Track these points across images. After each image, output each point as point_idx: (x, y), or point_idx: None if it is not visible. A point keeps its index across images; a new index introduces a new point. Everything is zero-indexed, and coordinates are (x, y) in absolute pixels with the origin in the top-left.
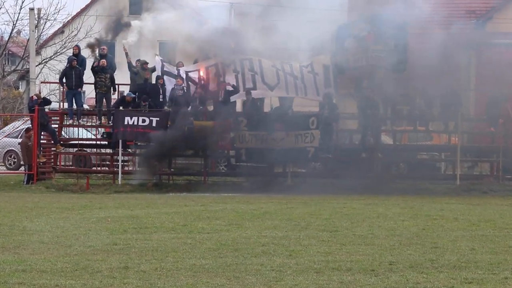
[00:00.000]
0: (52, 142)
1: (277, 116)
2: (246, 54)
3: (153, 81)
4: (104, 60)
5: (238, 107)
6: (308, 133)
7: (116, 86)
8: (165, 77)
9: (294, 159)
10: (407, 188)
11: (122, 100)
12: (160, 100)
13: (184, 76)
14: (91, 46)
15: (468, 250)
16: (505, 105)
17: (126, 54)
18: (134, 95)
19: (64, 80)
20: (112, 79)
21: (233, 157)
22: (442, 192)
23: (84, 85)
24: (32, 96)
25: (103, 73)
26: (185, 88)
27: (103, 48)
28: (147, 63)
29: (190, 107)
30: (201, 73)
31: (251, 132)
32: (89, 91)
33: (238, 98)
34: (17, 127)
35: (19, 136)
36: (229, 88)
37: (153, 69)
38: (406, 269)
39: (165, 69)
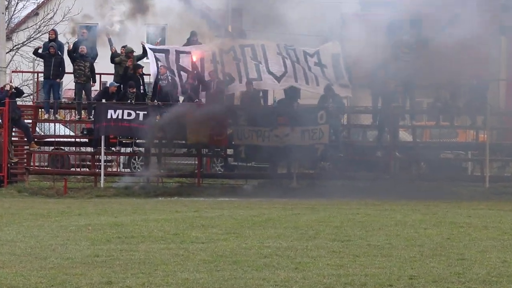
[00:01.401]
0: (25, 139)
1: (281, 109)
2: (246, 38)
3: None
4: (83, 47)
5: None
6: (317, 129)
7: (97, 76)
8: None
9: (300, 158)
10: (429, 192)
11: (105, 91)
12: (141, 91)
13: (174, 58)
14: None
15: (499, 262)
16: None
17: (110, 41)
18: (119, 84)
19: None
20: (92, 68)
21: (231, 156)
22: (469, 196)
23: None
24: (3, 87)
25: (82, 60)
26: (169, 77)
27: (83, 32)
28: (133, 52)
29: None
30: (194, 58)
31: (251, 127)
32: (66, 82)
33: (238, 89)
34: None
35: None
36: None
37: (139, 57)
38: (429, 284)
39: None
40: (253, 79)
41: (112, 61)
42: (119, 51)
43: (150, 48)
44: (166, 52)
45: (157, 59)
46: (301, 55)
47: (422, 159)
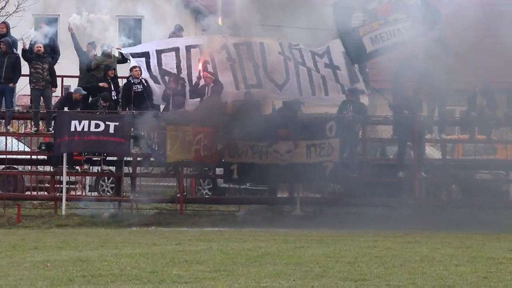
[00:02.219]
0: None
1: (282, 120)
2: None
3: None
4: (40, 45)
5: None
6: (325, 144)
7: (59, 79)
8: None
9: (305, 179)
10: (461, 220)
11: (67, 98)
12: (113, 98)
13: (155, 62)
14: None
15: None
16: None
17: (73, 37)
18: (85, 92)
19: None
20: (51, 71)
21: (220, 177)
22: (510, 225)
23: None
24: None
25: (40, 62)
26: (144, 81)
27: (42, 25)
28: (110, 54)
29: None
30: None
31: (245, 142)
32: (21, 87)
33: (233, 96)
34: None
35: None
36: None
37: (119, 61)
38: None
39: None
40: (252, 85)
41: (89, 69)
42: (86, 49)
43: (130, 53)
44: (146, 55)
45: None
46: (309, 56)
47: (453, 180)
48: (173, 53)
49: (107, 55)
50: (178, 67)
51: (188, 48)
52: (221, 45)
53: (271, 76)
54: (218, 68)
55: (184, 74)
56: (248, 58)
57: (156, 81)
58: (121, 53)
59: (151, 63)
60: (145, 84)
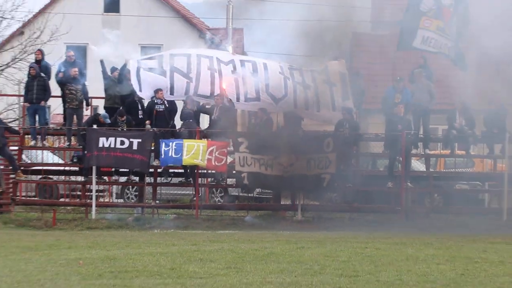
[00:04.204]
0: (11, 168)
1: (285, 137)
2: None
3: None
4: (76, 69)
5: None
6: (323, 157)
7: (90, 99)
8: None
9: (305, 189)
10: (442, 225)
11: (94, 119)
12: (140, 116)
13: (167, 57)
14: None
15: None
16: None
17: (102, 64)
18: (109, 120)
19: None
20: (85, 91)
21: (231, 186)
22: (485, 229)
23: (50, 98)
24: None
25: (74, 84)
26: (166, 102)
27: (71, 54)
28: (117, 69)
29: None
30: (224, 86)
31: (254, 155)
32: (55, 106)
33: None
34: None
35: None
36: (225, 102)
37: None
38: None
39: (141, 76)
40: (250, 99)
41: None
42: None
43: (137, 61)
44: (159, 57)
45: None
46: (308, 74)
47: (436, 190)
48: (185, 57)
49: (113, 70)
50: (188, 68)
51: (199, 57)
52: (228, 59)
53: (270, 91)
54: (223, 78)
55: (193, 74)
56: (251, 73)
57: (163, 74)
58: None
59: (163, 62)
60: (167, 105)
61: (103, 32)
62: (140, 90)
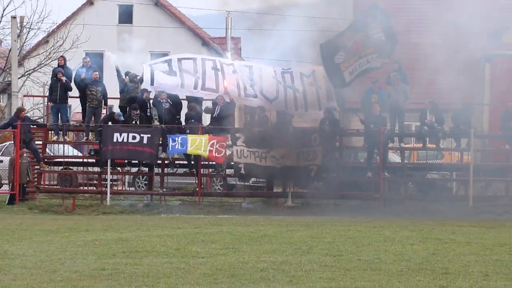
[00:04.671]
0: (35, 160)
1: (277, 132)
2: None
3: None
4: (96, 72)
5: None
6: (311, 151)
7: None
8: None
9: (295, 178)
10: (416, 210)
11: (110, 116)
12: (148, 114)
13: (175, 60)
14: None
15: (482, 276)
16: None
17: (118, 70)
18: (122, 117)
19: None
20: (104, 92)
21: (230, 176)
22: (453, 214)
23: (70, 98)
24: (16, 112)
25: (94, 86)
26: (170, 102)
27: (87, 60)
28: (136, 76)
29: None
30: (225, 84)
31: (250, 148)
32: (75, 105)
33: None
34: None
35: (0, 154)
36: (227, 99)
37: (141, 80)
38: None
39: (155, 77)
40: (249, 95)
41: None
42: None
43: (150, 65)
44: (168, 61)
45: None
46: (298, 76)
47: (409, 179)
48: (191, 60)
49: (132, 80)
50: (195, 68)
51: (203, 60)
52: (229, 62)
53: (264, 93)
54: (225, 77)
55: (199, 73)
56: (248, 77)
57: (174, 74)
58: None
59: (172, 65)
60: (171, 103)
61: (123, 38)
62: (152, 84)
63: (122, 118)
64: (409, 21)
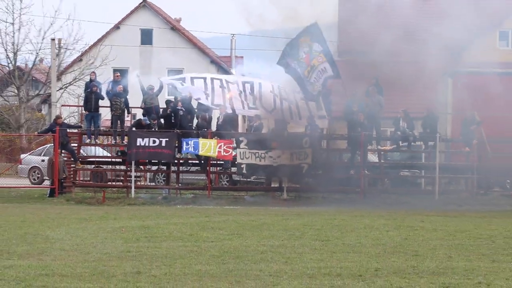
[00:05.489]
0: (72, 159)
1: (275, 136)
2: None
3: (160, 104)
4: (121, 86)
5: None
6: (302, 151)
7: (130, 108)
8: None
9: (289, 175)
10: (391, 202)
11: (138, 123)
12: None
13: (188, 79)
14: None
15: (446, 258)
16: (478, 128)
17: (139, 81)
18: (148, 121)
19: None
20: (126, 103)
21: (234, 173)
22: (422, 205)
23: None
24: (55, 118)
25: (119, 97)
26: (183, 109)
27: (117, 75)
28: (153, 88)
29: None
30: (228, 96)
31: (251, 150)
32: (104, 113)
33: (247, 113)
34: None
35: (42, 154)
36: (229, 111)
37: (157, 93)
38: (390, 275)
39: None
40: (251, 108)
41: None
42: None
43: (166, 79)
44: (182, 79)
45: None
46: (291, 92)
47: (385, 176)
48: (202, 79)
49: (150, 88)
50: (205, 87)
51: (212, 79)
52: (233, 80)
53: (263, 105)
54: (232, 94)
55: (209, 91)
56: (250, 93)
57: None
58: (161, 83)
59: (186, 82)
60: (184, 110)
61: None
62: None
63: (147, 121)
64: (388, 41)
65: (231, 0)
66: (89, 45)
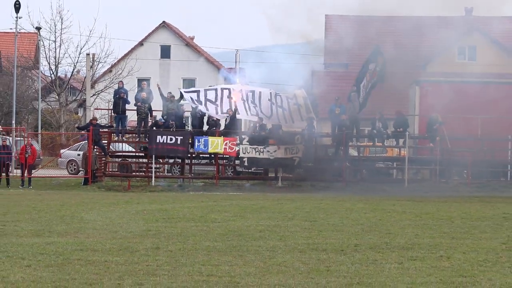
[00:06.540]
0: (103, 154)
1: (272, 134)
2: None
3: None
4: (144, 93)
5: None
6: (295, 147)
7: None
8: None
9: (284, 166)
10: (368, 189)
11: (156, 123)
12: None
13: (203, 94)
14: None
15: (413, 235)
16: (440, 127)
17: (159, 88)
18: (164, 121)
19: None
20: (149, 107)
21: (237, 165)
22: (393, 192)
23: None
24: (90, 120)
25: (143, 102)
26: (199, 112)
27: (144, 84)
28: (174, 96)
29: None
30: (234, 98)
31: (251, 145)
32: (130, 116)
33: (250, 118)
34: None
35: (78, 149)
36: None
37: (179, 100)
38: (367, 250)
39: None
40: (253, 114)
41: (162, 97)
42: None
43: (185, 91)
44: (197, 92)
45: (191, 99)
46: (285, 99)
47: (363, 167)
48: (214, 91)
49: (171, 97)
50: (216, 98)
51: (222, 90)
52: (238, 89)
53: (263, 111)
54: (237, 102)
55: (218, 102)
56: (251, 101)
57: (200, 103)
58: (181, 93)
59: (200, 95)
60: (200, 114)
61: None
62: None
63: (163, 120)
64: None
65: (236, 20)
66: (118, 59)
